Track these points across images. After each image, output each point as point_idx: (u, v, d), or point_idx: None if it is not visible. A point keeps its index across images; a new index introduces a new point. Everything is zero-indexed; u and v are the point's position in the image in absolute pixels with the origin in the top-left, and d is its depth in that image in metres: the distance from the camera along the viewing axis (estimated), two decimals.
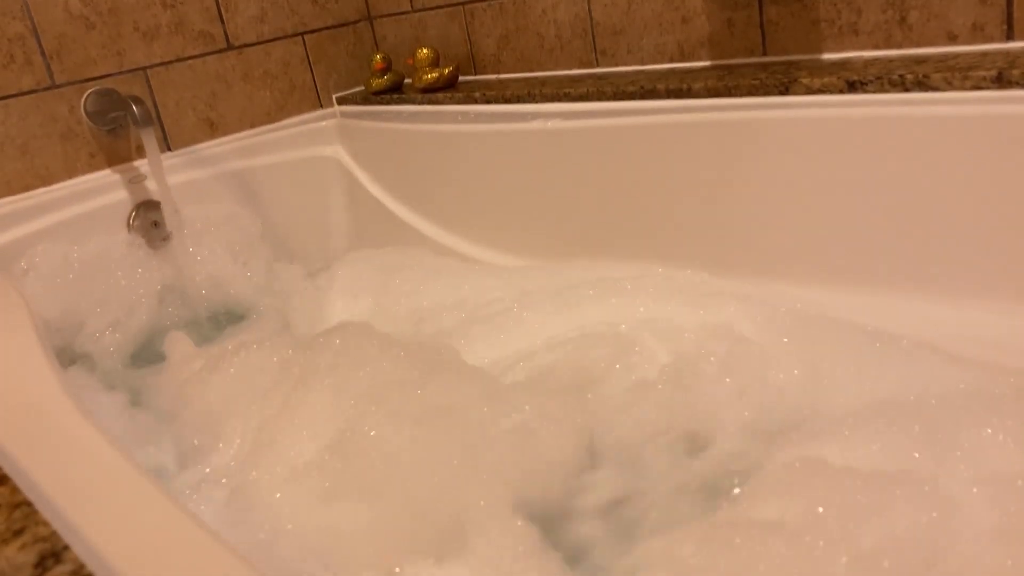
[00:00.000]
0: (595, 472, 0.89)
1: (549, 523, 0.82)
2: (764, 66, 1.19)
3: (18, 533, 0.48)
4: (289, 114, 1.72)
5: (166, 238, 1.51)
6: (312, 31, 1.73)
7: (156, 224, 1.51)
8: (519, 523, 0.78)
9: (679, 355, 1.02)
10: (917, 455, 0.74)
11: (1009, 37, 1.00)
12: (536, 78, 1.51)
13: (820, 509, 0.68)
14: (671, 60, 1.34)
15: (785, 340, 1.00)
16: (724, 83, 1.13)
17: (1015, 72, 0.89)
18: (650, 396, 0.96)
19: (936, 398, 0.82)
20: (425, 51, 1.58)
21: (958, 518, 0.67)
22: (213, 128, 1.62)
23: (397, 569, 0.76)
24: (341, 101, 1.77)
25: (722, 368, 0.97)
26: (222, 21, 1.61)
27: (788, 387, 0.93)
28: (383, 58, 1.68)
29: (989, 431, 0.74)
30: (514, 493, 0.82)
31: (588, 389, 1.00)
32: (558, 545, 0.79)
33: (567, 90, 1.32)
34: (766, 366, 0.96)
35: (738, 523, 0.71)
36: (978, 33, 1.02)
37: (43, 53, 1.42)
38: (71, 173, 1.46)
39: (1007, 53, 0.97)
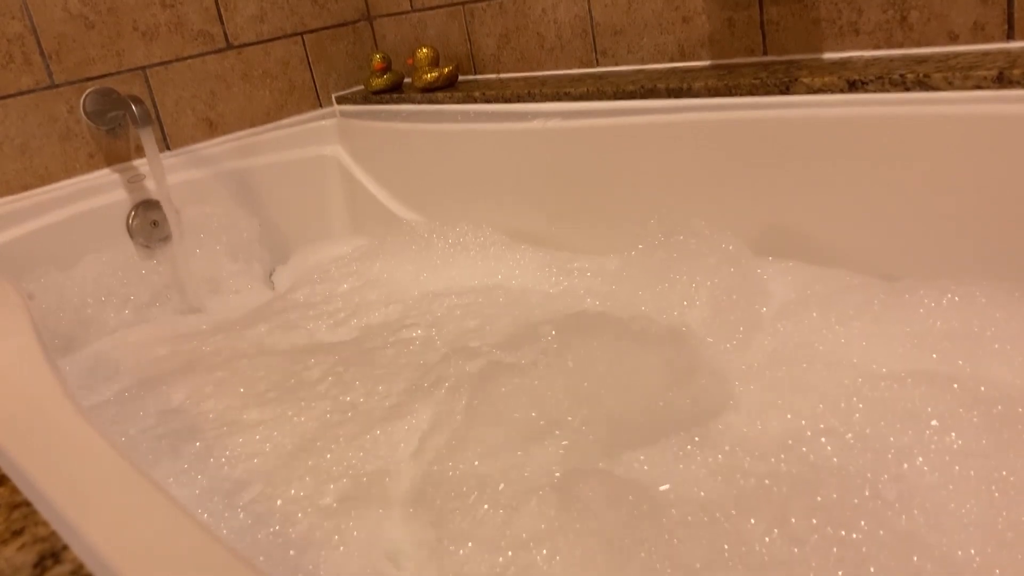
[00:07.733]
0: None
1: None
2: (765, 65, 1.19)
3: (17, 533, 0.47)
4: (288, 113, 1.72)
5: (165, 238, 1.50)
6: (312, 31, 1.73)
7: (155, 224, 1.50)
8: None
9: None
10: None
11: (1010, 37, 1.00)
12: (536, 77, 1.51)
13: None
14: (671, 60, 1.34)
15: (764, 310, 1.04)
16: (724, 83, 1.13)
17: (1016, 72, 0.89)
18: None
19: None
20: (425, 50, 1.58)
21: None
22: (212, 128, 1.62)
23: None
24: (340, 100, 1.77)
25: None
26: (221, 21, 1.61)
27: None
28: (383, 58, 1.67)
29: None
30: None
31: None
32: None
33: (567, 90, 1.32)
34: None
35: None
36: (979, 33, 1.02)
37: (42, 53, 1.42)
38: (70, 173, 1.46)
39: (1008, 53, 0.97)
